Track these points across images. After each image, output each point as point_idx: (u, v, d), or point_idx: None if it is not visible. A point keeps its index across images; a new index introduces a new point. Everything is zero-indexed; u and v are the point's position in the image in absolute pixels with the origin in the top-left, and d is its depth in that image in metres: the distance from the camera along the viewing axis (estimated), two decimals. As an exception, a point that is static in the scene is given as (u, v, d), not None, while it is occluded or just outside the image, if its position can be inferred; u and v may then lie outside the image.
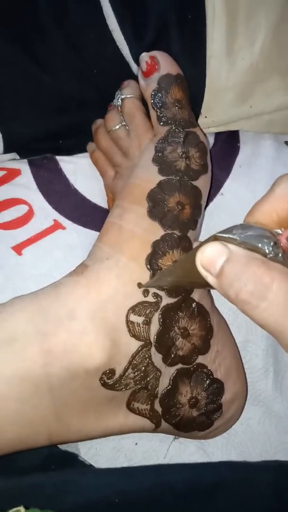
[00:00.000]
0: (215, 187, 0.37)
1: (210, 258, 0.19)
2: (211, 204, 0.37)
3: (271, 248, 0.19)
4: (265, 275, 0.18)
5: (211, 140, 0.39)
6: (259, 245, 0.19)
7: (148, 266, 0.29)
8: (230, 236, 0.19)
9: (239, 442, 0.32)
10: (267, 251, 0.19)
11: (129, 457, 0.32)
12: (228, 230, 0.20)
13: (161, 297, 0.28)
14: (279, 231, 0.20)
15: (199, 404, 0.29)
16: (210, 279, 0.19)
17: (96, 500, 0.25)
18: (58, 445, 0.31)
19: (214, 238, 0.20)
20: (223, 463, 0.30)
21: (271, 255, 0.19)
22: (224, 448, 0.32)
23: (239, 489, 0.26)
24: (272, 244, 0.19)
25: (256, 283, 0.18)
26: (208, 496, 0.26)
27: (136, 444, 0.32)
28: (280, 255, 0.19)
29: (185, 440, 0.32)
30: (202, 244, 0.19)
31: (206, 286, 0.20)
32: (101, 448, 0.32)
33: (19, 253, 0.37)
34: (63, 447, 0.31)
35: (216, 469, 0.28)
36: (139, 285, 0.28)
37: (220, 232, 0.20)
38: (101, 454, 0.32)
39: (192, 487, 0.26)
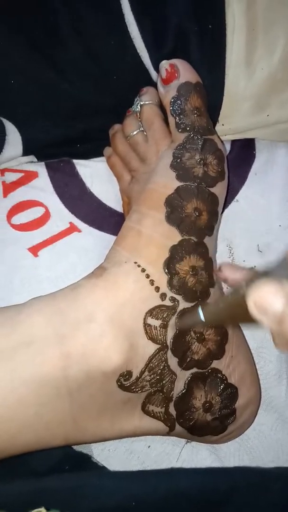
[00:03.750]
0: (230, 194, 0.38)
1: (267, 301, 0.17)
2: (226, 211, 0.38)
3: None
4: None
5: (228, 147, 0.39)
6: None
7: (166, 271, 0.29)
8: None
9: (251, 448, 0.32)
10: None
11: (141, 460, 0.32)
12: (279, 268, 0.18)
13: (178, 301, 0.29)
14: None
15: (213, 408, 0.29)
16: (266, 322, 0.17)
17: (111, 505, 0.25)
18: (72, 446, 0.31)
19: (265, 273, 0.18)
20: (237, 469, 0.30)
21: None
22: (236, 453, 0.32)
23: (252, 497, 0.26)
24: None
25: None
26: (222, 503, 0.26)
27: (149, 447, 0.32)
28: None
29: (197, 444, 0.32)
30: (251, 281, 0.18)
31: (249, 323, 0.18)
32: (114, 450, 0.32)
33: (35, 255, 0.37)
34: (77, 448, 0.31)
35: (229, 476, 0.28)
36: (162, 296, 0.28)
37: (273, 269, 0.18)
38: (114, 456, 0.32)
39: (206, 494, 0.26)
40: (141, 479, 0.27)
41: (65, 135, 0.38)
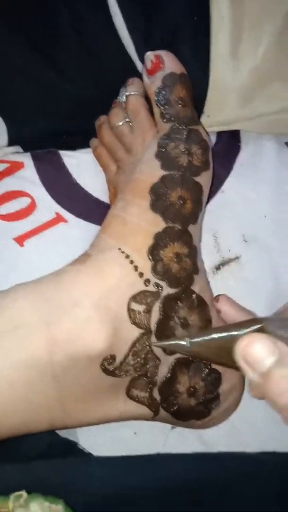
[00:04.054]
0: (216, 185, 0.38)
1: (256, 354, 0.17)
2: (212, 201, 0.38)
3: None
4: None
5: (213, 138, 0.40)
6: None
7: (150, 257, 0.29)
8: (282, 334, 0.17)
9: (237, 433, 0.32)
10: None
11: (128, 446, 0.32)
12: (277, 323, 0.18)
13: (162, 287, 0.29)
14: None
15: (197, 393, 0.29)
16: (251, 376, 0.17)
17: (101, 493, 0.25)
18: (58, 433, 0.31)
19: (260, 329, 0.18)
20: (226, 454, 0.30)
21: None
22: (223, 438, 0.32)
23: (242, 485, 0.27)
24: None
25: None
26: (213, 490, 0.26)
27: (135, 433, 0.32)
28: None
29: (184, 431, 0.32)
30: (240, 328, 0.18)
31: (232, 368, 0.19)
32: (100, 436, 0.32)
33: (21, 244, 0.37)
34: (63, 434, 0.31)
35: (219, 461, 0.28)
36: (146, 282, 0.28)
37: (266, 322, 0.18)
38: (100, 443, 0.32)
39: (196, 480, 0.26)
40: (130, 466, 0.27)
41: (56, 130, 0.38)
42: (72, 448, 0.31)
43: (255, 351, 0.17)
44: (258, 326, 0.18)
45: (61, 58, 0.34)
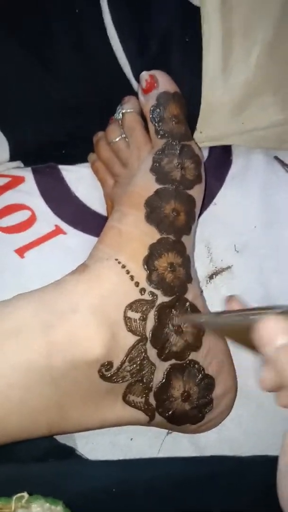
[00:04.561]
0: (208, 197, 0.40)
1: (271, 332, 0.20)
2: (205, 213, 0.39)
3: None
4: None
5: (206, 153, 0.41)
6: None
7: (145, 267, 0.31)
8: None
9: (231, 438, 0.33)
10: None
11: (124, 452, 0.33)
12: None
13: (156, 296, 0.30)
14: None
15: (191, 398, 0.30)
16: (263, 350, 0.20)
17: (95, 490, 0.26)
18: (57, 438, 0.32)
19: (279, 313, 0.21)
20: (215, 456, 0.31)
21: None
22: (216, 443, 0.33)
23: (229, 481, 0.28)
24: None
25: None
26: (201, 487, 0.27)
27: (131, 439, 0.33)
28: None
29: (178, 435, 0.33)
30: (261, 312, 0.21)
31: (245, 346, 0.21)
32: (97, 443, 0.33)
33: (22, 256, 0.38)
34: (61, 440, 0.32)
35: (208, 462, 0.30)
36: (142, 291, 0.30)
37: (284, 311, 0.21)
38: (97, 449, 0.33)
39: (186, 479, 0.27)
40: (124, 466, 0.28)
41: (52, 139, 0.39)
42: (70, 453, 0.32)
43: (270, 328, 0.20)
44: (279, 310, 0.21)
45: (55, 64, 0.36)
